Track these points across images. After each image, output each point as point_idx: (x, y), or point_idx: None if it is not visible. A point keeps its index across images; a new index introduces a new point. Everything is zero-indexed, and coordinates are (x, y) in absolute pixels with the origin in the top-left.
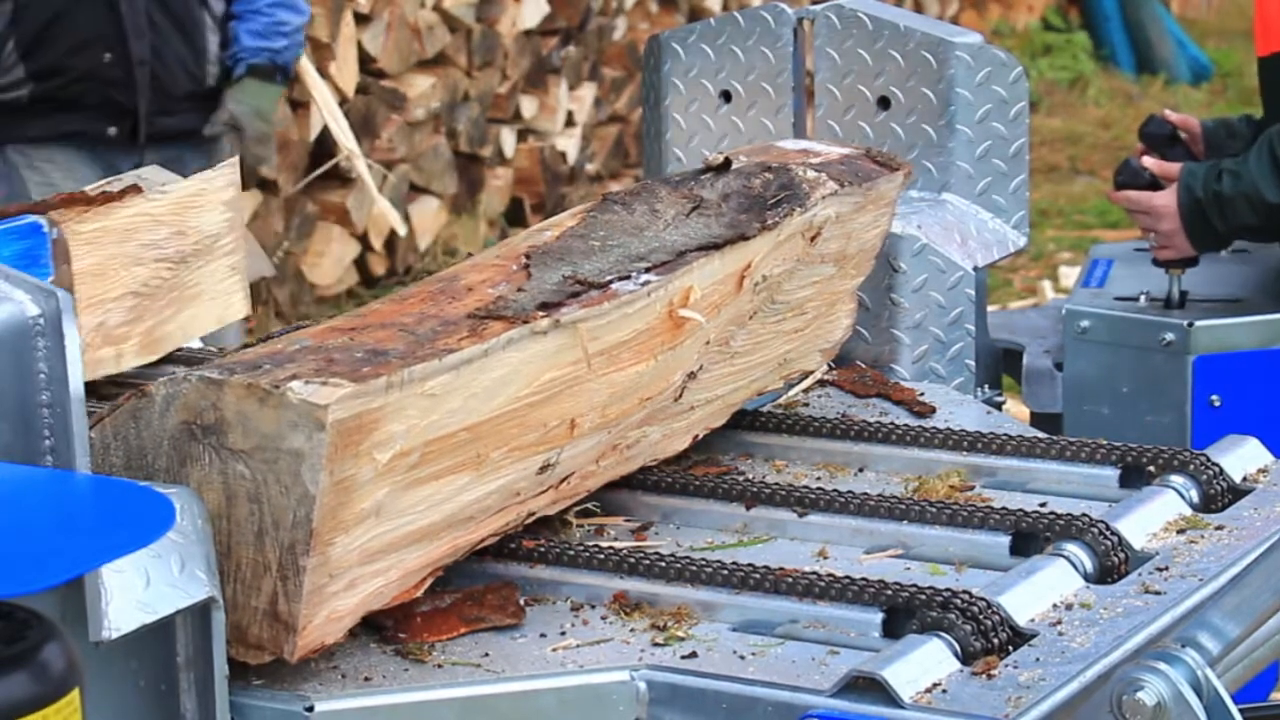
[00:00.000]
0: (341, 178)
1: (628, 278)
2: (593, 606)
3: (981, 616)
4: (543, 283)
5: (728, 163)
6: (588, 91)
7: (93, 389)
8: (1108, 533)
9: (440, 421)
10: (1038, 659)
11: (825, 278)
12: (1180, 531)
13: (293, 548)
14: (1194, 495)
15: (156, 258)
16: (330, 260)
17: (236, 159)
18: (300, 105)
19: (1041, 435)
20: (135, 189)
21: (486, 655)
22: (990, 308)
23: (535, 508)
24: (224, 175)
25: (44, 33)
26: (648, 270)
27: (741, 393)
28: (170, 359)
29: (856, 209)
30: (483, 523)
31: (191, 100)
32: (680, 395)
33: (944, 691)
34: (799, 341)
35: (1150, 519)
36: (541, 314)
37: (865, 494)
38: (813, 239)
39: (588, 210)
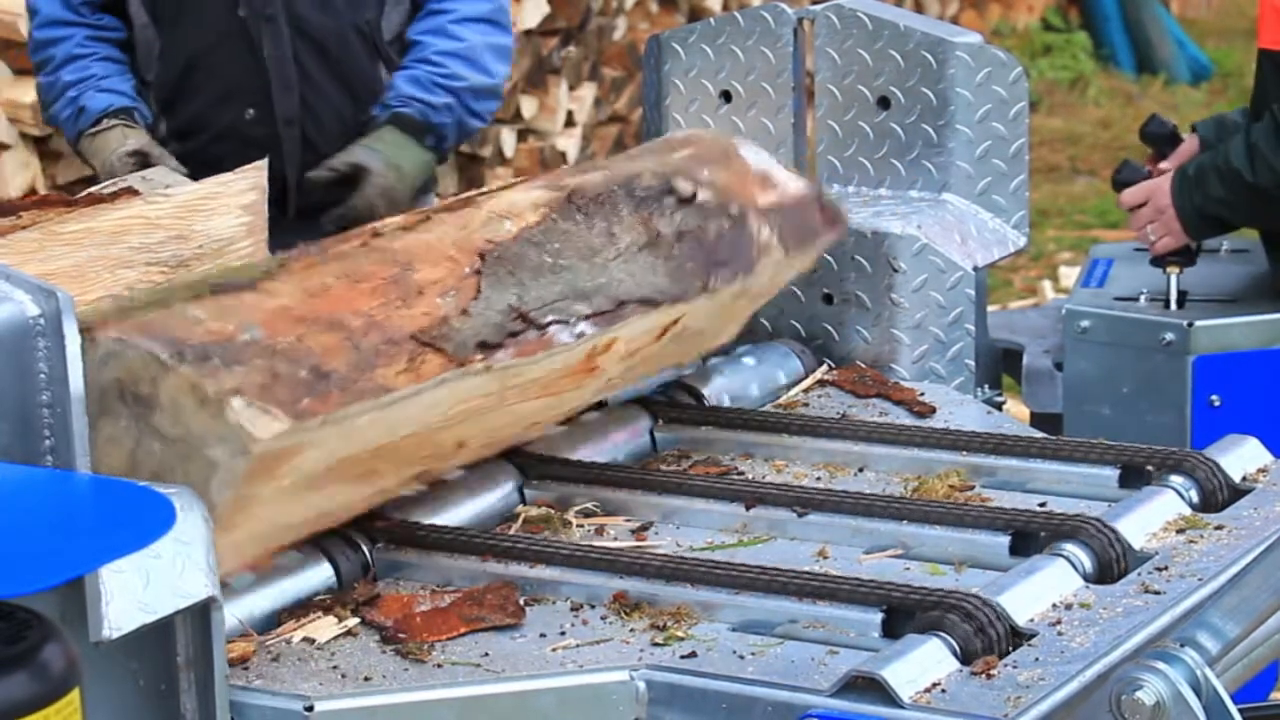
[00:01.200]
0: None
1: (566, 323)
2: (592, 606)
3: (981, 616)
4: (489, 306)
5: (694, 196)
6: (588, 91)
7: None
8: (1107, 533)
9: (354, 447)
10: (1037, 659)
11: (733, 308)
12: (1180, 531)
13: None
14: (1193, 495)
15: (148, 261)
16: None
17: (264, 161)
18: None
19: (1041, 435)
20: (130, 191)
21: (486, 655)
22: (990, 308)
23: (394, 496)
24: (247, 178)
25: (183, 81)
26: (587, 318)
27: (612, 393)
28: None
29: (789, 264)
30: (342, 514)
31: None
32: (563, 414)
33: (943, 691)
34: (681, 356)
35: (1150, 519)
36: (479, 357)
37: (865, 494)
38: (740, 294)
39: (550, 209)
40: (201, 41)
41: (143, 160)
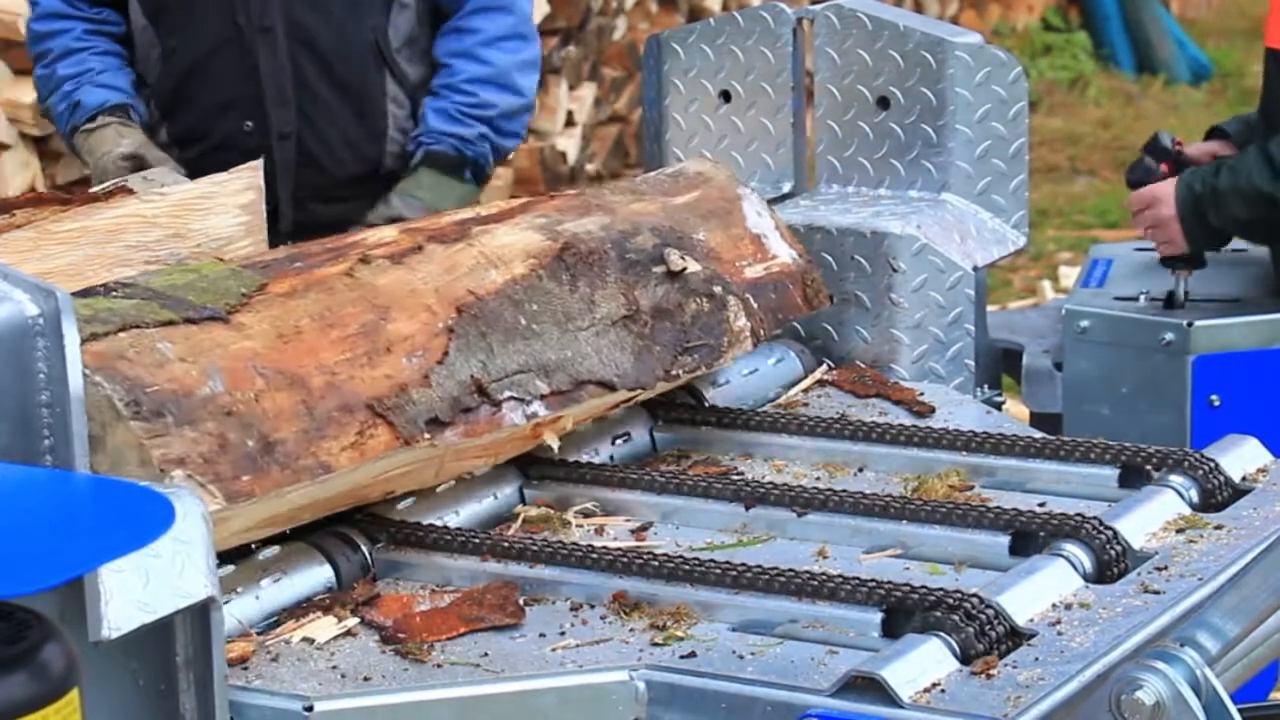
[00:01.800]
0: None
1: (522, 401)
2: (592, 606)
3: (981, 616)
4: (451, 375)
5: (682, 271)
6: (588, 91)
7: None
8: (1107, 532)
9: (279, 509)
10: (1037, 658)
11: None
12: (1179, 531)
13: None
14: (1193, 495)
15: (146, 260)
16: None
17: (259, 162)
18: None
19: (1041, 435)
20: (125, 190)
21: (486, 655)
22: (990, 308)
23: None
24: (242, 178)
25: (183, 89)
26: (543, 398)
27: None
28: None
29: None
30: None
31: (361, 186)
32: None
33: (943, 691)
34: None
35: (1149, 518)
36: (427, 436)
37: (865, 494)
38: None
39: (540, 263)
40: (200, 49)
41: (137, 164)
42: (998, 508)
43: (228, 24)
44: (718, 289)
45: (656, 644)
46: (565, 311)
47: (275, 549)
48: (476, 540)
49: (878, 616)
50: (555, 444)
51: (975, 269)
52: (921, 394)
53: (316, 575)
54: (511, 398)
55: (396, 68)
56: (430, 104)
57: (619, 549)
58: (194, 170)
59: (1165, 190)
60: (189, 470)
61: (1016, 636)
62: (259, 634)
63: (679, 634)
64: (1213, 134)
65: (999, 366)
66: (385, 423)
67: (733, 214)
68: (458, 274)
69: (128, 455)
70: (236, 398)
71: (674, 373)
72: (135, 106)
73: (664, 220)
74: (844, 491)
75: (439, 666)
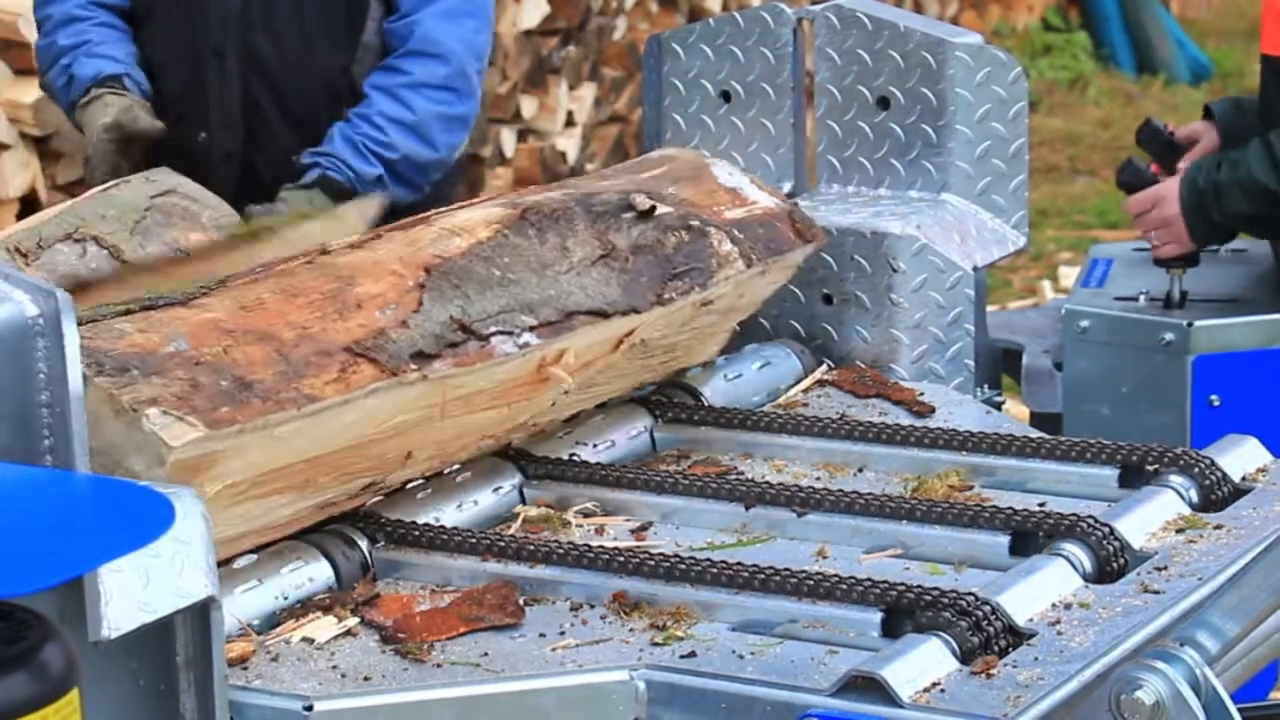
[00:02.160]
0: None
1: (510, 333)
2: (592, 606)
3: (980, 616)
4: (429, 319)
5: (652, 210)
6: (588, 91)
7: None
8: (1106, 532)
9: (281, 457)
10: (1036, 658)
11: (705, 325)
12: (1179, 531)
13: None
14: (1193, 495)
15: None
16: None
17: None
18: None
19: (1041, 435)
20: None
21: (486, 655)
22: (990, 308)
23: (344, 508)
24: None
25: (155, 86)
26: (532, 329)
27: (584, 407)
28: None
29: (758, 275)
30: (288, 527)
31: None
32: (523, 427)
33: (943, 691)
34: (661, 372)
35: (1149, 518)
36: (413, 367)
37: (865, 494)
38: (703, 304)
39: (503, 225)
40: (160, 55)
41: (119, 133)
42: (997, 508)
43: (184, 38)
44: (695, 223)
45: (656, 644)
46: (540, 260)
47: (275, 548)
48: (476, 540)
49: (878, 616)
50: (569, 381)
51: (975, 269)
52: (921, 394)
53: (317, 575)
54: (498, 331)
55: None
56: (340, 128)
57: (619, 549)
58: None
59: (1169, 189)
60: (164, 407)
61: (1016, 636)
62: (259, 634)
63: (679, 634)
64: (1205, 115)
65: (999, 366)
66: (367, 359)
67: (702, 176)
68: (420, 245)
69: (102, 413)
70: (204, 352)
71: (666, 296)
72: (132, 75)
73: (630, 186)
74: (844, 491)
75: (439, 666)
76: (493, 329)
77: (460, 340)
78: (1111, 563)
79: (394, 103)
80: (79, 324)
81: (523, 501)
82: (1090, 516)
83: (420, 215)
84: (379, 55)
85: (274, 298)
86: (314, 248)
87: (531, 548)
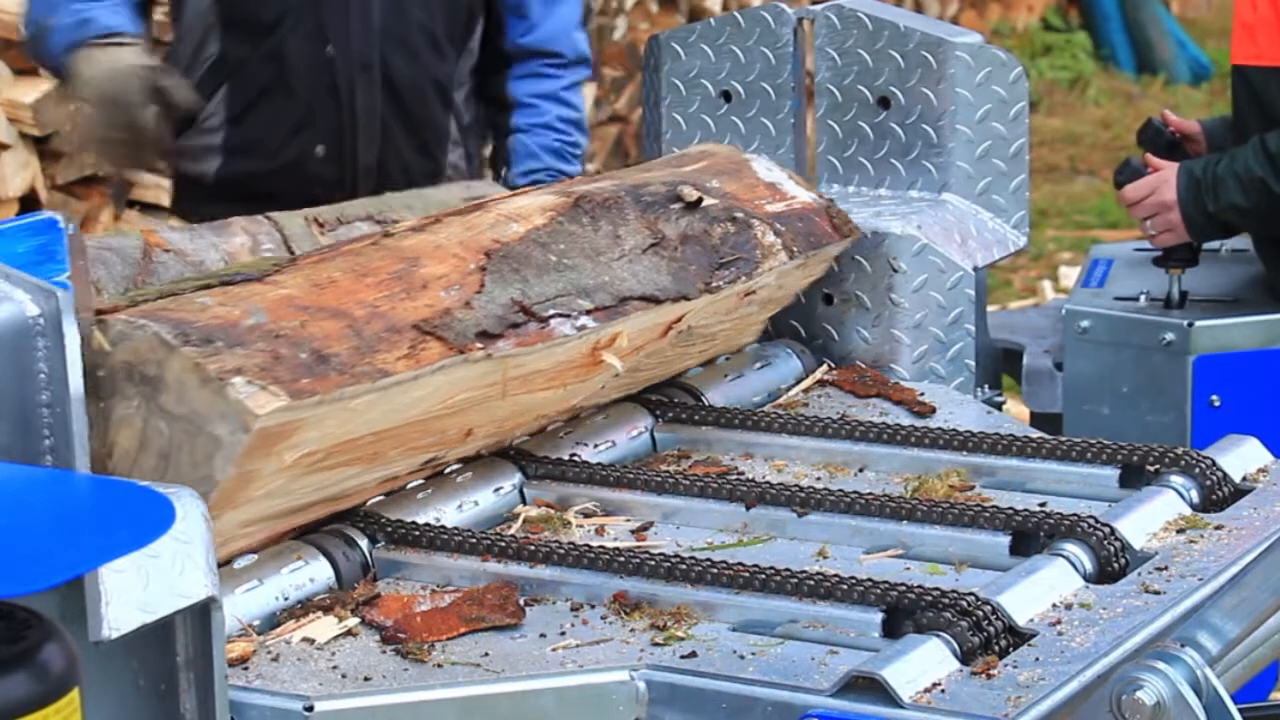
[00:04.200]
0: None
1: (568, 316)
2: (593, 606)
3: (981, 616)
4: (492, 300)
5: (699, 202)
6: (588, 91)
7: None
8: (1107, 532)
9: (353, 430)
10: (1037, 659)
11: (744, 315)
12: (1180, 531)
13: None
14: (1194, 495)
15: None
16: None
17: None
18: None
19: (1041, 435)
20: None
21: (486, 655)
22: (990, 308)
23: (406, 481)
24: None
25: (251, 100)
26: (588, 312)
27: (628, 391)
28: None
29: (798, 268)
30: (354, 497)
31: None
32: (573, 408)
33: (943, 691)
34: (699, 358)
35: (1150, 519)
36: (479, 345)
37: (865, 494)
38: (747, 294)
39: (558, 213)
40: (282, 66)
41: (159, 98)
42: (998, 508)
43: (318, 53)
44: (739, 215)
45: (657, 644)
46: (593, 247)
47: (276, 548)
48: (477, 540)
49: (878, 616)
50: (618, 365)
51: (975, 269)
52: (922, 394)
53: (317, 575)
54: (557, 314)
55: (456, 109)
56: (534, 142)
57: (619, 549)
58: (246, 187)
59: (1167, 176)
60: (248, 377)
61: (1017, 636)
62: (259, 634)
63: (679, 634)
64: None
65: (999, 366)
66: (435, 337)
67: (742, 171)
68: (479, 230)
69: (188, 381)
70: (282, 326)
71: (714, 284)
72: (146, 46)
73: (673, 178)
74: (844, 491)
75: (439, 666)
76: (551, 311)
77: (521, 321)
78: (1112, 563)
79: (564, 106)
80: (160, 296)
81: (523, 501)
82: (1091, 517)
83: (476, 202)
84: (475, 60)
85: (345, 277)
86: (379, 231)
87: (532, 548)
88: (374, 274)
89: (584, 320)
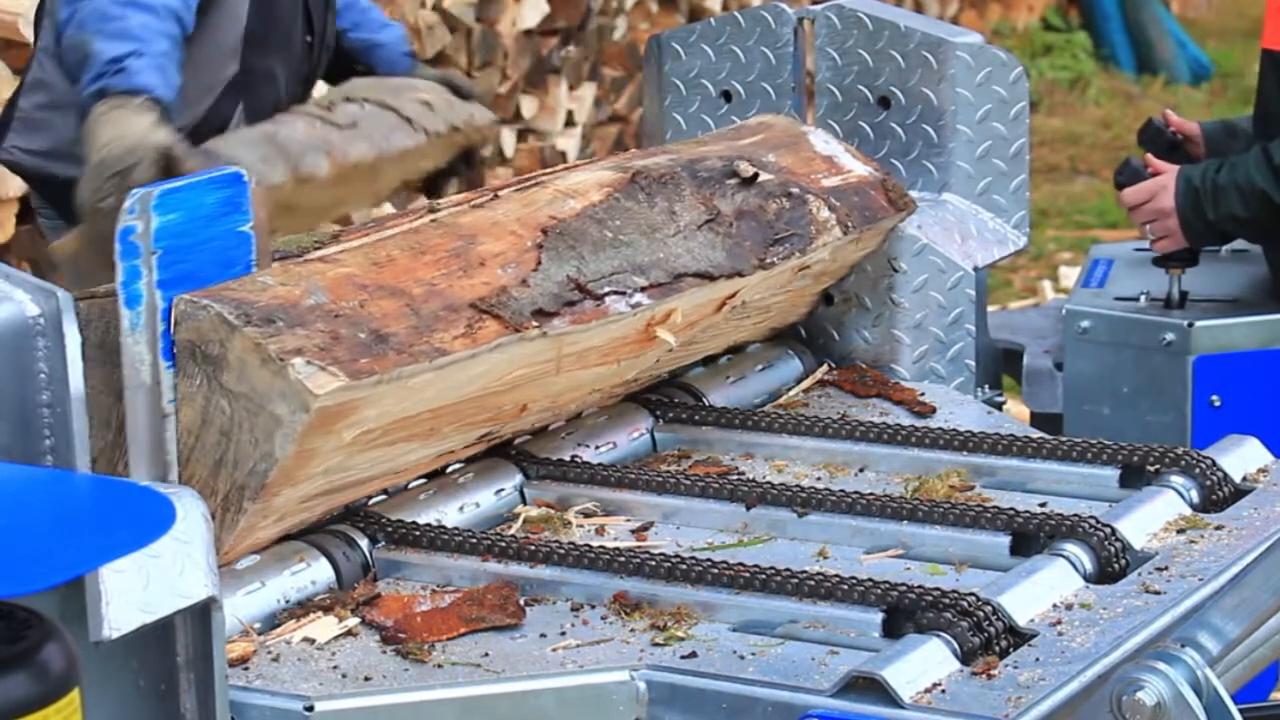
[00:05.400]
0: None
1: (623, 294)
2: (593, 606)
3: (981, 617)
4: (548, 278)
5: (755, 177)
6: (588, 91)
7: None
8: (1108, 533)
9: (411, 407)
10: (1037, 659)
11: (798, 288)
12: (1180, 531)
13: (243, 489)
14: (1194, 495)
15: None
16: None
17: None
18: None
19: (1041, 435)
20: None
21: (486, 655)
22: (990, 308)
23: (462, 456)
24: None
25: (273, 114)
26: (643, 289)
27: (684, 364)
28: None
29: (852, 242)
30: (411, 472)
31: None
32: (627, 383)
33: (944, 691)
34: (754, 331)
35: (1150, 519)
36: (534, 323)
37: (866, 494)
38: (801, 269)
39: (615, 189)
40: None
41: (165, 159)
42: (998, 508)
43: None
44: (794, 190)
45: (657, 644)
46: (649, 224)
47: (276, 548)
48: (477, 540)
49: (878, 617)
50: (672, 340)
51: (976, 269)
52: (922, 394)
53: (317, 575)
54: (612, 291)
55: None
56: (391, 36)
57: (620, 549)
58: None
59: (1165, 183)
60: (308, 357)
61: (1017, 637)
62: (259, 634)
63: (680, 634)
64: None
65: (999, 366)
66: (491, 316)
67: (799, 144)
68: (536, 207)
69: (249, 361)
70: (341, 305)
71: (768, 261)
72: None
73: (730, 152)
74: (845, 492)
75: (439, 666)
76: (606, 289)
77: (577, 299)
78: (1112, 563)
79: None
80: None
81: (524, 502)
82: (1091, 517)
83: (531, 176)
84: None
85: (402, 254)
86: (424, 206)
87: (532, 548)
88: (432, 251)
89: (639, 298)
